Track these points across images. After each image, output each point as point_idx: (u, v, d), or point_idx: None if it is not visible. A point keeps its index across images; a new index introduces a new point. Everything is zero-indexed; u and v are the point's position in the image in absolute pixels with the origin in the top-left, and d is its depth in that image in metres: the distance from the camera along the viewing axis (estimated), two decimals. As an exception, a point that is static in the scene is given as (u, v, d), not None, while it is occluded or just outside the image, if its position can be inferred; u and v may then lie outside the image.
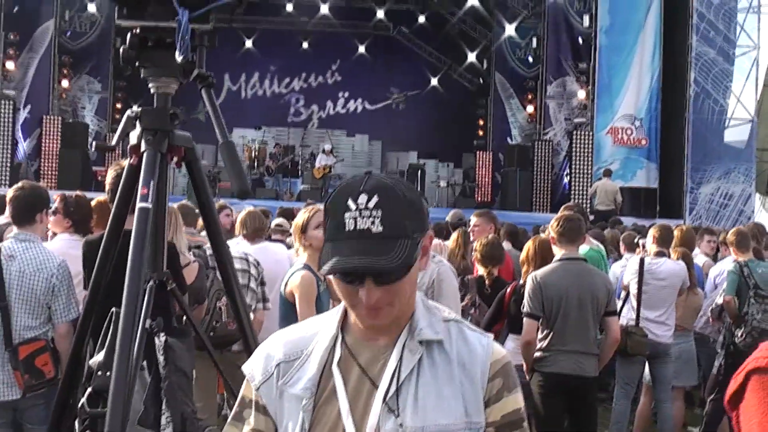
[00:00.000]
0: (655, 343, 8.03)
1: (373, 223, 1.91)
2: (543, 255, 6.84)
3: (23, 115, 24.21)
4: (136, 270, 2.64)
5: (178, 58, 2.66)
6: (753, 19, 22.63)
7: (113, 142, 2.97)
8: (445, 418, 1.98)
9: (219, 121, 2.75)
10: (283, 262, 7.51)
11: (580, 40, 24.43)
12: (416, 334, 2.04)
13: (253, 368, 2.12)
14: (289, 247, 8.03)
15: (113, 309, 2.74)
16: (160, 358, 2.77)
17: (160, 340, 2.79)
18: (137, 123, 2.87)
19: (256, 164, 26.60)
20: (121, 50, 2.86)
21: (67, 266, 5.36)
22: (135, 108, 2.89)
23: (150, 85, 2.89)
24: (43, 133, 24.28)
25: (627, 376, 8.23)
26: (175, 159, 2.92)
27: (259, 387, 2.09)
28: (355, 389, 2.02)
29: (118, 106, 28.60)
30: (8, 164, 22.51)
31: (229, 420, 2.17)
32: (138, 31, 2.82)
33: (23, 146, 24.12)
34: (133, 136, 2.89)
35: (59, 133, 24.17)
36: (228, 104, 31.08)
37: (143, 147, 2.83)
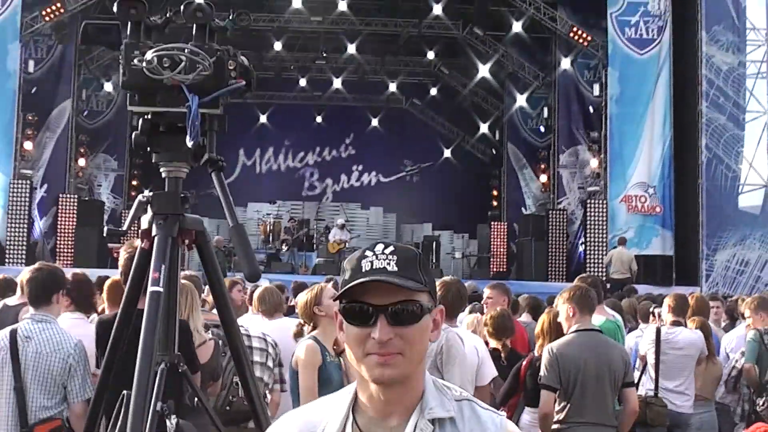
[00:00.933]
0: (676, 414, 7.94)
1: (389, 264, 2.00)
2: (558, 328, 6.81)
3: (40, 194, 24.39)
4: (147, 353, 2.66)
5: (189, 143, 2.71)
6: (762, 85, 22.73)
7: (124, 227, 3.01)
8: None
9: (229, 204, 2.80)
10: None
11: (591, 109, 24.58)
12: (426, 413, 2.04)
13: None
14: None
15: (124, 392, 2.75)
16: (172, 440, 2.77)
17: (171, 422, 2.80)
18: (148, 207, 2.91)
19: (271, 238, 26.65)
20: (132, 136, 2.91)
21: (83, 346, 5.38)
22: (146, 193, 2.93)
23: (161, 169, 2.94)
24: (59, 211, 24.42)
25: (648, 447, 8.12)
26: (186, 242, 2.96)
27: None
28: None
29: (134, 183, 28.94)
30: (24, 243, 22.60)
31: None
32: (149, 116, 2.87)
33: (39, 225, 24.27)
34: (144, 221, 2.93)
35: (75, 212, 24.30)
36: (243, 179, 31.35)
37: (154, 231, 2.87)
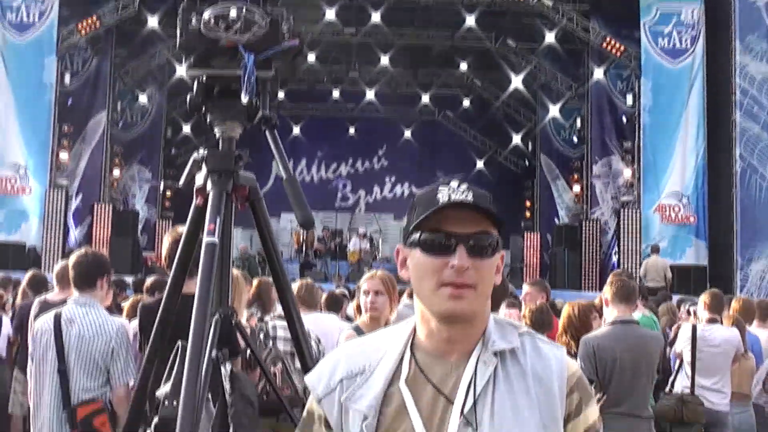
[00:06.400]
0: (712, 411, 7.91)
1: (465, 197, 2.00)
2: (585, 320, 6.81)
3: (75, 203, 24.66)
4: (203, 303, 2.72)
5: (244, 99, 2.79)
6: (797, 94, 22.61)
7: (180, 184, 3.09)
8: (521, 431, 1.97)
9: (282, 158, 2.88)
10: (331, 333, 7.54)
11: (624, 120, 24.54)
12: (490, 345, 2.03)
13: (316, 380, 2.12)
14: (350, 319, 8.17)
15: (179, 342, 2.81)
16: (227, 386, 2.83)
17: (226, 369, 2.86)
18: (203, 165, 2.99)
19: (304, 248, 26.79)
20: (187, 98, 2.99)
21: (125, 330, 5.48)
22: (201, 151, 3.01)
23: (215, 129, 3.01)
24: (94, 220, 24.65)
25: (684, 446, 8.09)
26: (239, 199, 3.03)
27: (321, 400, 2.08)
28: (429, 406, 2.00)
29: (168, 194, 29.12)
30: (60, 251, 22.81)
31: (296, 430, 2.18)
32: (204, 79, 2.95)
33: (74, 234, 24.51)
34: (199, 178, 3.01)
35: (110, 221, 24.54)
36: (276, 190, 31.24)
37: (209, 187, 2.94)
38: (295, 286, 7.92)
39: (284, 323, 6.63)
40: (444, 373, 2.03)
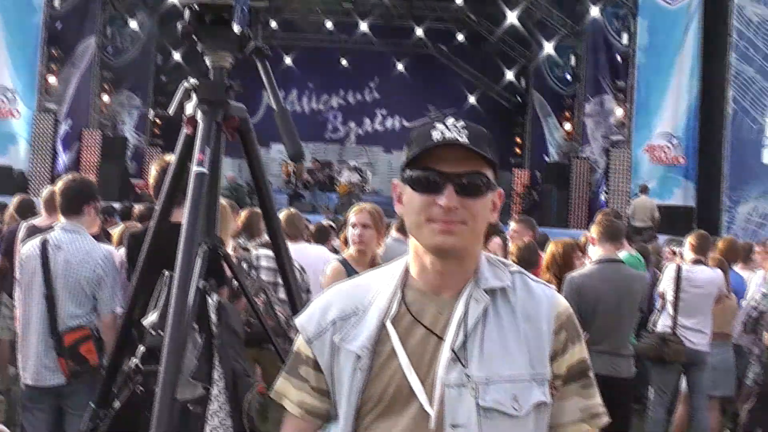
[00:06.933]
0: (692, 351, 8.01)
1: (460, 136, 1.97)
2: (567, 259, 6.85)
3: (64, 128, 24.52)
4: (190, 233, 2.71)
5: (236, 28, 2.75)
6: (794, 38, 22.48)
7: (170, 112, 3.05)
8: (509, 369, 1.96)
9: (274, 89, 2.85)
10: (316, 264, 7.56)
11: (619, 59, 24.34)
12: (482, 283, 2.03)
13: (306, 321, 2.10)
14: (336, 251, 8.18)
15: (165, 272, 2.81)
16: (213, 317, 2.84)
17: (213, 299, 2.86)
18: (193, 94, 2.96)
19: (293, 179, 26.78)
20: (179, 26, 2.93)
21: (112, 258, 5.46)
22: (191, 79, 2.98)
23: (206, 58, 2.98)
24: (83, 146, 24.58)
25: (663, 383, 8.19)
26: (230, 129, 3.00)
27: (312, 341, 2.06)
28: (419, 344, 1.98)
29: (158, 121, 28.95)
30: (48, 176, 22.76)
31: (282, 374, 2.14)
32: (196, 7, 2.91)
33: (63, 158, 24.41)
34: (189, 107, 2.98)
35: (99, 147, 24.45)
36: (266, 120, 31.04)
37: (199, 116, 2.91)
38: (282, 215, 7.93)
39: (267, 252, 6.70)
40: (436, 311, 2.02)
